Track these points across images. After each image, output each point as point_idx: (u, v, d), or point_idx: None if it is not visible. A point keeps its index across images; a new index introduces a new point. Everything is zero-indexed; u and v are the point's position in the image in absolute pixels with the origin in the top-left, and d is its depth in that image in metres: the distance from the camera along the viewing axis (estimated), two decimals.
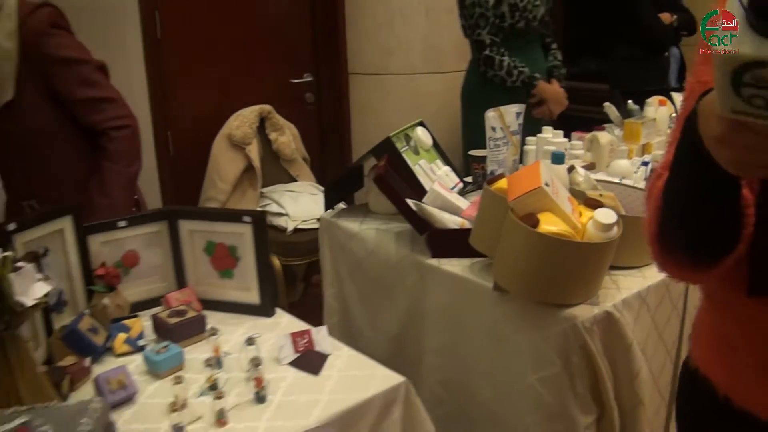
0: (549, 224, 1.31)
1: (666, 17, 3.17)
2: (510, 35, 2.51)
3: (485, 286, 1.49)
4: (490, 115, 2.06)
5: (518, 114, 2.11)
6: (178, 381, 1.07)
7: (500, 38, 2.52)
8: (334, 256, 1.97)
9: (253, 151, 2.96)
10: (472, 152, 2.19)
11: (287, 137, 3.10)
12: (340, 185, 2.05)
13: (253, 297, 1.42)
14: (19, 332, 1.00)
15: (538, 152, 2.15)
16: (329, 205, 1.97)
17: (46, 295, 1.00)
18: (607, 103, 2.62)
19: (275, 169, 3.11)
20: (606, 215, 1.34)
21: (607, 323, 1.39)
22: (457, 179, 2.08)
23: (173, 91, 2.98)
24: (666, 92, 2.79)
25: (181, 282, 1.47)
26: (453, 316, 1.59)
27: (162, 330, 1.31)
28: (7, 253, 0.97)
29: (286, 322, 1.39)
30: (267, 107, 3.03)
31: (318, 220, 2.03)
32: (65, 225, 1.32)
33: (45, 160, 1.65)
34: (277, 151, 3.08)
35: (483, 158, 2.13)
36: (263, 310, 1.41)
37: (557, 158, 1.67)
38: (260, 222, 1.37)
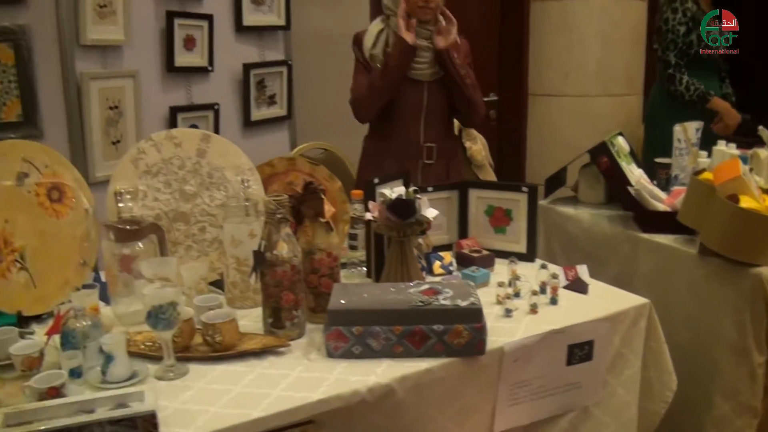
0: (746, 203, 1.82)
1: None
2: (693, 61, 3.01)
3: (689, 252, 2.02)
4: (677, 129, 2.58)
5: (698, 129, 2.62)
6: (501, 284, 1.67)
7: (684, 62, 3.01)
8: (547, 235, 2.54)
9: None
10: (659, 160, 2.70)
11: (479, 146, 3.70)
12: (554, 179, 2.62)
13: (521, 247, 2.00)
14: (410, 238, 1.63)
15: (715, 161, 2.63)
16: (548, 193, 2.55)
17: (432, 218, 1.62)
18: (761, 127, 3.05)
19: (468, 173, 3.71)
20: None
21: None
22: (647, 179, 2.60)
23: None
24: None
25: (462, 234, 2.07)
26: (660, 277, 2.11)
27: (465, 260, 1.91)
28: (412, 187, 1.60)
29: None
30: None
31: None
32: None
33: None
34: (470, 158, 3.68)
35: (668, 165, 2.64)
36: (528, 257, 1.99)
37: (743, 161, 2.17)
38: (533, 192, 1.96)
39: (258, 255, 1.46)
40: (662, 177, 2.67)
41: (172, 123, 2.57)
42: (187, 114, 2.62)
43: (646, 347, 1.74)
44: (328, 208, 1.53)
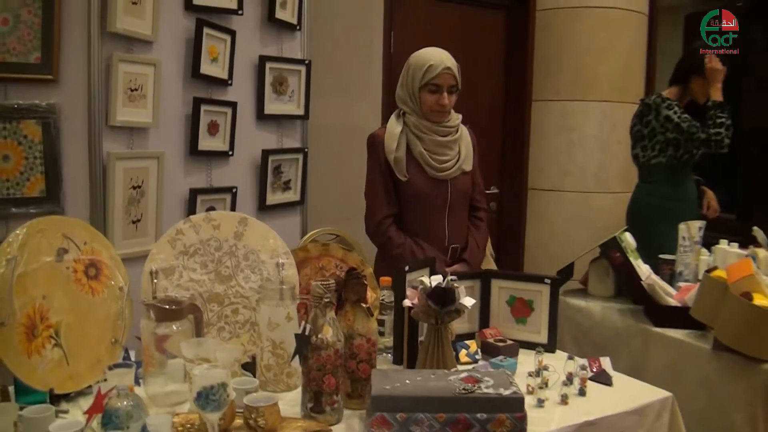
0: (759, 300, 1.90)
1: None
2: (675, 163, 3.14)
3: (702, 347, 2.08)
4: (682, 227, 2.68)
5: (700, 228, 2.73)
6: (531, 374, 1.70)
7: (664, 165, 3.13)
8: (560, 325, 2.58)
9: None
10: (663, 256, 2.79)
11: None
12: (563, 272, 2.68)
13: (542, 338, 2.04)
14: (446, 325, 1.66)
15: (717, 258, 2.73)
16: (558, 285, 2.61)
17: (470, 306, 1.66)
18: (755, 228, 3.19)
19: None
20: None
21: None
22: (655, 274, 2.68)
23: None
24: None
25: (484, 323, 2.11)
26: (672, 371, 2.16)
27: (491, 349, 1.94)
28: (450, 277, 1.65)
29: (565, 355, 2.00)
30: None
31: None
32: None
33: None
34: None
35: (672, 261, 2.73)
36: (549, 347, 2.03)
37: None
38: (556, 283, 2.01)
39: (302, 338, 1.48)
40: (666, 273, 2.76)
41: (191, 204, 2.61)
42: (206, 196, 2.67)
43: None
44: (371, 294, 1.57)
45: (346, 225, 3.21)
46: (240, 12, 2.70)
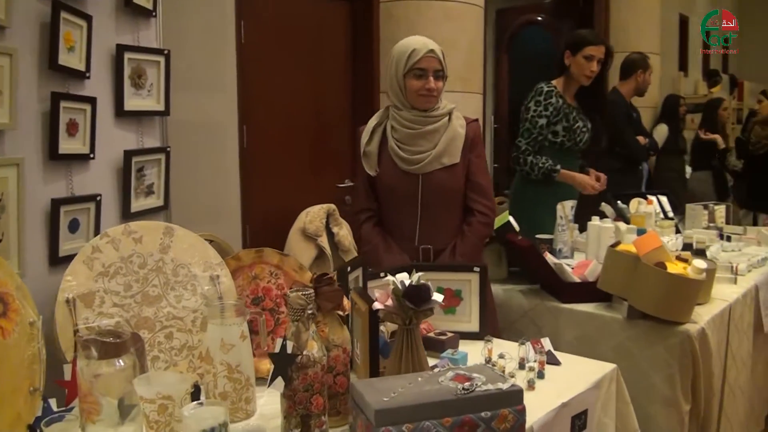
0: (672, 269, 2.05)
1: (641, 140, 4.16)
2: (560, 149, 3.25)
3: (614, 317, 2.20)
4: (559, 207, 2.83)
5: (572, 207, 2.91)
6: (489, 363, 1.67)
7: (551, 150, 3.22)
8: None
9: (324, 241, 3.56)
10: (540, 236, 2.91)
11: (345, 231, 3.72)
12: None
13: (473, 326, 2.02)
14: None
15: (591, 234, 2.91)
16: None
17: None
18: (603, 203, 3.46)
19: (335, 258, 3.69)
20: (700, 263, 2.10)
21: (701, 335, 2.12)
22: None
23: (254, 190, 3.56)
24: (641, 196, 3.69)
25: None
26: (585, 343, 2.26)
27: (435, 344, 1.88)
28: (419, 273, 1.57)
29: (498, 342, 2.01)
30: (332, 206, 3.66)
31: None
32: None
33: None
34: (338, 243, 3.68)
35: (549, 240, 2.87)
36: (481, 335, 2.01)
37: (641, 233, 2.44)
38: (484, 271, 2.01)
39: (286, 358, 1.31)
40: (544, 251, 2.89)
41: (54, 217, 2.23)
42: (69, 207, 2.30)
43: (616, 409, 1.84)
44: (346, 301, 1.44)
45: (214, 228, 2.96)
46: None
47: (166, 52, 2.72)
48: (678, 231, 3.28)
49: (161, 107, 2.74)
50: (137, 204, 2.67)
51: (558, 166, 3.15)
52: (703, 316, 2.18)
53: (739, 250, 3.06)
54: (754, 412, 2.74)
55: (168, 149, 2.80)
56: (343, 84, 4.19)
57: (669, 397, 2.11)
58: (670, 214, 3.56)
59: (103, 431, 1.31)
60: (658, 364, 2.11)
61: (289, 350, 1.32)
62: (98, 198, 2.44)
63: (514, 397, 1.40)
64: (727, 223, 3.46)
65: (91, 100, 2.38)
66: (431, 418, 1.33)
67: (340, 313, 1.45)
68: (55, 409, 1.41)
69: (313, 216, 3.58)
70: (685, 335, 2.07)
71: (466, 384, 1.39)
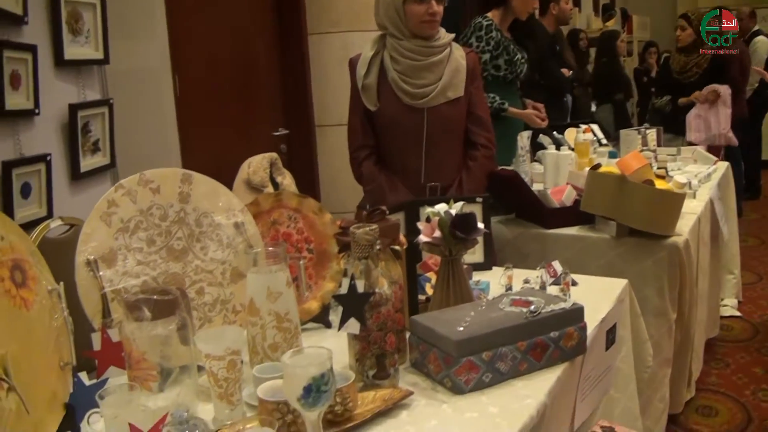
0: (660, 185, 2.11)
1: (565, 72, 4.24)
2: (503, 83, 3.26)
3: (601, 237, 2.25)
4: (518, 138, 2.84)
5: (528, 138, 2.94)
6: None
7: (494, 84, 3.22)
8: None
9: (270, 191, 3.41)
10: (502, 167, 2.93)
11: (289, 180, 3.58)
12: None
13: (478, 257, 2.01)
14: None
15: (549, 162, 2.95)
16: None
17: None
18: (541, 134, 3.53)
19: None
20: (681, 179, 2.19)
21: (686, 246, 2.22)
22: None
23: (191, 142, 3.35)
24: (566, 127, 3.79)
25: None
26: (575, 265, 2.28)
27: None
28: (460, 202, 1.52)
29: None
30: (274, 155, 3.47)
31: None
32: None
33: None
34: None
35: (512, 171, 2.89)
36: (486, 265, 2.01)
37: (613, 155, 2.50)
38: (487, 202, 1.99)
39: (360, 297, 1.24)
40: None
41: (6, 181, 2.00)
42: (20, 169, 2.06)
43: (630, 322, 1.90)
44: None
45: None
46: None
47: None
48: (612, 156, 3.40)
49: (100, 55, 2.51)
50: (85, 163, 2.45)
51: (506, 104, 3.14)
52: (683, 228, 2.28)
53: (679, 169, 3.21)
54: (711, 316, 2.94)
55: (111, 101, 2.57)
56: (268, 30, 3.98)
57: (659, 308, 2.21)
58: (604, 141, 3.69)
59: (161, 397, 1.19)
60: (648, 278, 2.19)
61: (361, 289, 1.24)
62: (48, 158, 2.22)
63: (577, 314, 1.41)
64: (659, 146, 3.63)
65: (32, 48, 2.13)
66: (506, 344, 1.31)
67: (396, 248, 1.38)
68: (87, 383, 1.27)
69: (256, 166, 3.41)
70: (674, 247, 2.15)
71: (532, 307, 1.37)
